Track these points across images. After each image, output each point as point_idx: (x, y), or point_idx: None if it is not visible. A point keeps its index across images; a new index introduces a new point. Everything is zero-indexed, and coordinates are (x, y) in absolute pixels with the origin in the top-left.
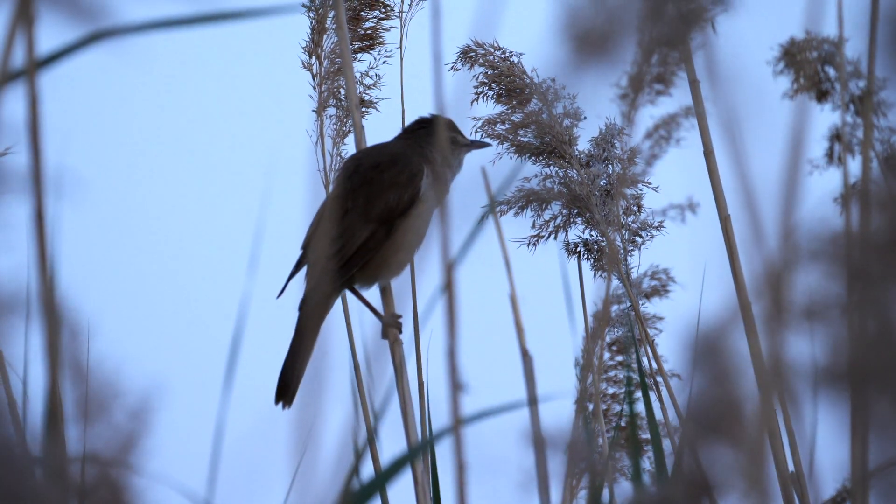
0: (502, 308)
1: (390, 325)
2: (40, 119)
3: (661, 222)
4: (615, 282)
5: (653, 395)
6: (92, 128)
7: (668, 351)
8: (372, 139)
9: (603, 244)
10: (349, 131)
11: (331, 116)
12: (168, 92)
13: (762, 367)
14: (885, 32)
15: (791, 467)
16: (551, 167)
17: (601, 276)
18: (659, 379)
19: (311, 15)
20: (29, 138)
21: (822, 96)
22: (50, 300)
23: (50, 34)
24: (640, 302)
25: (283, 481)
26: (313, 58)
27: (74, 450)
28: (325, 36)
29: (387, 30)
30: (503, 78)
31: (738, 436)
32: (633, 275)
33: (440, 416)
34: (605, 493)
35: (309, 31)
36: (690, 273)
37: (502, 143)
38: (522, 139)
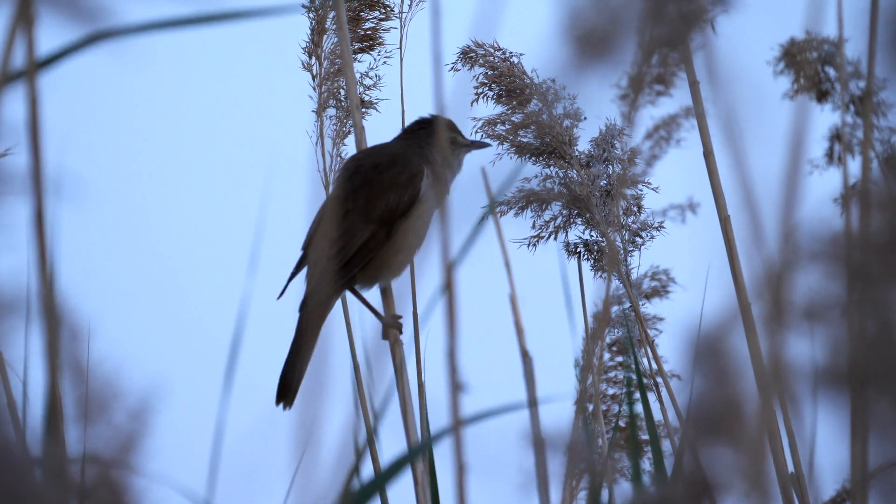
0: (502, 309)
1: (391, 326)
2: (40, 120)
3: (662, 223)
4: (615, 282)
5: (653, 396)
6: (92, 129)
7: (669, 351)
8: (372, 140)
9: (603, 245)
10: (349, 132)
11: (331, 117)
12: (168, 92)
13: (762, 367)
14: (885, 32)
15: (791, 468)
16: (551, 168)
17: (601, 276)
18: (659, 380)
19: (311, 15)
20: (29, 139)
21: (822, 96)
22: (50, 301)
23: (50, 35)
24: (641, 302)
25: (283, 481)
26: (313, 58)
27: (74, 450)
28: (324, 36)
29: (387, 30)
30: (503, 78)
31: (739, 436)
32: (634, 275)
33: (440, 417)
34: (605, 494)
35: (309, 32)
36: (691, 274)
37: (502, 144)
38: (522, 140)
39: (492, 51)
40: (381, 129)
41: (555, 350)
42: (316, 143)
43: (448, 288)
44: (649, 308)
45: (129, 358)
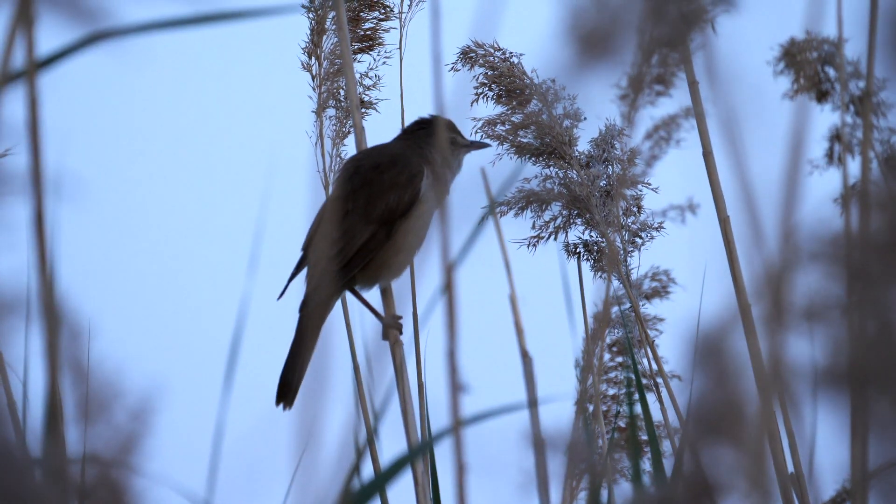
0: (502, 309)
1: (391, 327)
2: (40, 120)
3: (661, 223)
4: (615, 283)
5: (653, 397)
6: (92, 129)
7: (670, 352)
8: (372, 140)
9: (603, 245)
10: (349, 132)
11: (330, 117)
12: (168, 93)
13: (762, 368)
14: (884, 33)
15: (791, 468)
16: (551, 168)
17: (601, 277)
18: (659, 380)
19: (311, 16)
20: (29, 139)
21: (822, 97)
22: (50, 301)
23: (50, 35)
24: (641, 303)
25: (283, 481)
26: (312, 58)
27: (75, 450)
28: (324, 37)
29: (386, 31)
30: (503, 79)
31: (740, 436)
32: (634, 276)
33: (440, 417)
34: (605, 494)
35: (308, 32)
36: (691, 274)
37: (502, 144)
38: (522, 140)
39: (492, 51)
40: (381, 129)
41: (555, 350)
42: (316, 144)
43: (448, 288)
44: (649, 308)
45: (129, 358)
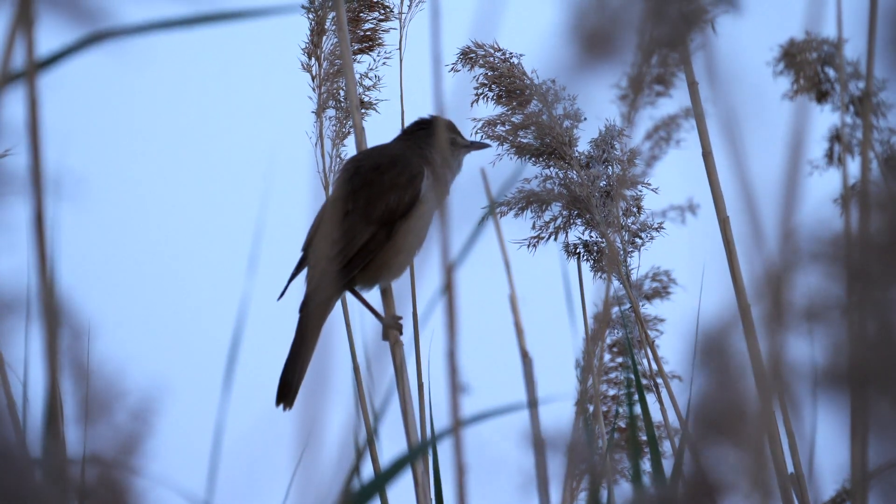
0: (502, 309)
1: (391, 327)
2: (40, 120)
3: (661, 224)
4: (616, 283)
5: (653, 397)
6: (92, 129)
7: (671, 352)
8: (372, 141)
9: (603, 245)
10: (349, 133)
11: (330, 118)
12: (168, 93)
13: (762, 368)
14: (884, 33)
15: (791, 468)
16: (551, 168)
17: (601, 277)
18: (659, 380)
19: (311, 16)
20: (29, 140)
21: (821, 97)
22: (50, 301)
23: (49, 36)
24: (641, 304)
25: (283, 482)
26: (312, 59)
27: (75, 451)
28: (324, 37)
29: (386, 31)
30: (503, 79)
31: (742, 436)
32: (634, 276)
33: (440, 418)
34: (605, 495)
35: (308, 33)
36: (691, 275)
37: (502, 145)
38: (522, 140)
39: (492, 51)
40: (381, 129)
41: (555, 351)
42: (315, 144)
43: (448, 289)
44: (650, 309)
45: (130, 358)
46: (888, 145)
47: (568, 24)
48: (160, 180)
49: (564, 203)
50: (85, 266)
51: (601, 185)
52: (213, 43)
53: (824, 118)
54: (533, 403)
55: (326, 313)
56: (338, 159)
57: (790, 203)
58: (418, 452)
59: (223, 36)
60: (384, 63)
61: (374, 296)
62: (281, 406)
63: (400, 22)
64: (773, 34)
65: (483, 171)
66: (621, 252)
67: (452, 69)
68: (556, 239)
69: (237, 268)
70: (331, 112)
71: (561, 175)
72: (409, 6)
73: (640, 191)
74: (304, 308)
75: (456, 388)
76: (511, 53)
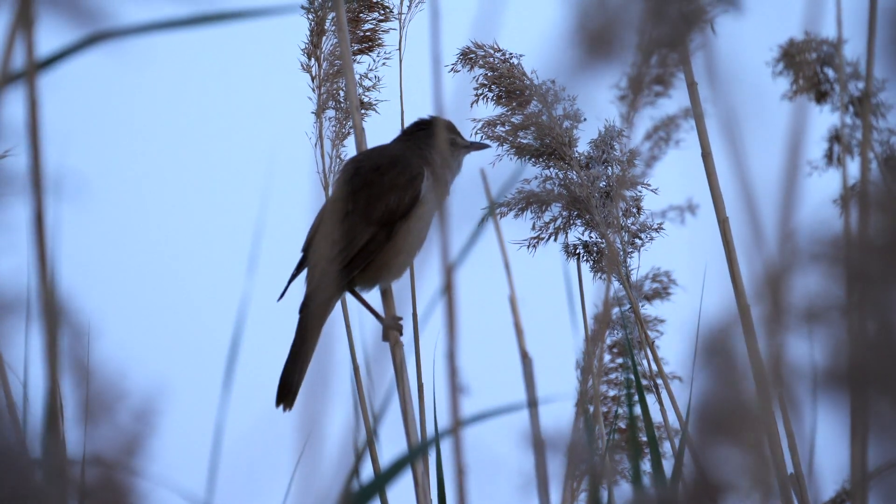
0: (502, 310)
1: (391, 328)
2: (40, 121)
3: (661, 224)
4: (616, 284)
5: (653, 398)
6: (92, 129)
7: (672, 353)
8: (371, 141)
9: (603, 246)
10: (348, 133)
11: (330, 118)
12: (168, 93)
13: (761, 369)
14: (883, 33)
15: (790, 469)
16: (551, 169)
17: (601, 278)
18: (659, 381)
19: (311, 17)
20: (29, 140)
21: (821, 97)
22: (50, 301)
23: (49, 36)
24: (641, 304)
25: (283, 482)
26: (312, 60)
27: (76, 451)
28: (324, 38)
29: (386, 31)
30: (503, 79)
31: (744, 437)
32: (634, 277)
33: (440, 418)
34: (605, 496)
35: (308, 33)
36: (691, 275)
37: (502, 145)
38: (522, 141)
39: (492, 52)
40: (381, 130)
41: (555, 351)
42: (315, 145)
43: (448, 289)
44: (650, 310)
45: (131, 359)
46: (888, 146)
47: (568, 24)
48: (160, 181)
49: (564, 204)
50: (85, 266)
51: (601, 185)
52: (213, 43)
53: (824, 119)
54: (533, 404)
55: (326, 314)
56: (338, 160)
57: (789, 204)
58: (418, 453)
59: (223, 36)
60: (384, 63)
61: (374, 296)
62: (281, 407)
63: (400, 22)
64: (773, 34)
65: (483, 171)
66: (621, 253)
67: (452, 70)
68: (555, 239)
69: (237, 268)
70: (330, 113)
71: (561, 176)
72: (409, 7)
73: (640, 191)
74: (304, 309)
75: (456, 388)
76: (511, 54)
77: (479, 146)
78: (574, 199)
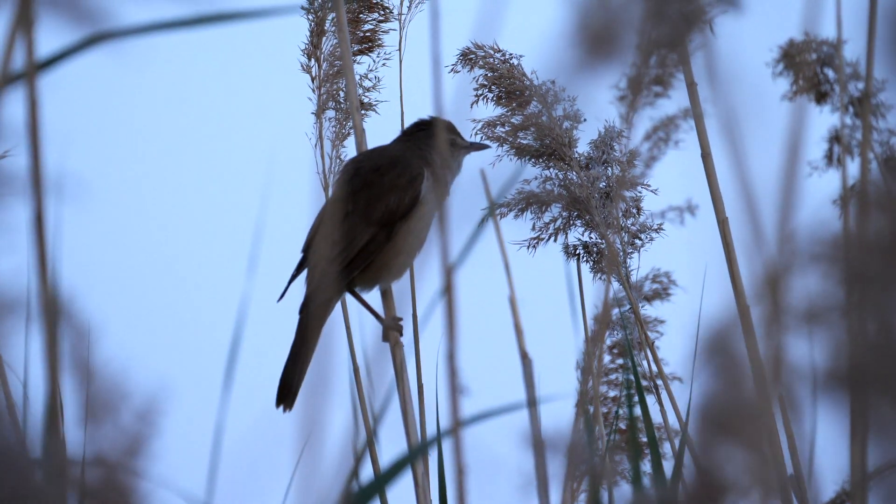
0: (502, 310)
1: (391, 328)
2: (40, 121)
3: (661, 225)
4: (615, 284)
5: (652, 399)
6: (92, 130)
7: (672, 354)
8: (371, 142)
9: (602, 247)
10: (348, 134)
11: (330, 119)
12: (168, 94)
13: (761, 370)
14: (883, 34)
15: (790, 469)
16: (551, 169)
17: (601, 278)
18: (659, 382)
19: (310, 17)
20: (29, 140)
21: (821, 98)
22: (50, 302)
23: (50, 37)
24: (641, 305)
25: (283, 483)
26: (312, 60)
27: (77, 452)
28: (324, 38)
29: (386, 32)
30: (503, 80)
31: (746, 437)
32: (634, 277)
33: (440, 419)
34: (605, 496)
35: (308, 34)
36: (691, 276)
37: (502, 146)
38: (522, 141)
39: (491, 52)
40: (381, 131)
41: (555, 352)
42: (315, 145)
43: (448, 290)
44: (650, 310)
45: (133, 359)
46: (887, 146)
47: (567, 24)
48: (161, 181)
49: (564, 204)
50: (86, 267)
51: (601, 186)
52: (213, 44)
53: (824, 119)
54: (533, 404)
55: (326, 314)
56: (337, 160)
57: (788, 204)
58: (418, 453)
59: (223, 37)
60: (384, 64)
61: (374, 297)
62: (281, 407)
63: (399, 23)
64: (773, 35)
65: (483, 172)
66: (621, 253)
67: (452, 70)
68: (555, 240)
69: (237, 268)
70: (331, 113)
71: (560, 176)
72: (409, 7)
73: (640, 192)
74: (305, 309)
75: (456, 389)
76: (511, 54)
77: (479, 147)
78: (574, 200)
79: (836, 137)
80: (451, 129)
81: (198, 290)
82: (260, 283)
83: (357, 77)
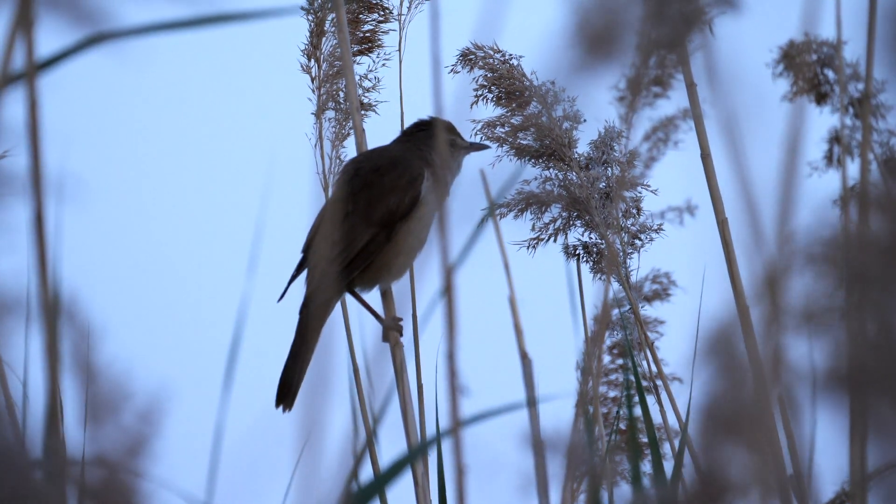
0: (502, 311)
1: (391, 328)
2: (40, 122)
3: (661, 225)
4: (615, 285)
5: (652, 399)
6: (92, 130)
7: (672, 354)
8: (371, 142)
9: (602, 247)
10: (348, 134)
11: (330, 119)
12: (168, 94)
13: (760, 370)
14: (883, 34)
15: (790, 470)
16: (551, 170)
17: (601, 279)
18: (659, 382)
19: (310, 18)
20: (29, 141)
21: (821, 99)
22: (49, 302)
23: (49, 37)
24: (641, 305)
25: (283, 483)
26: (312, 61)
27: (78, 452)
28: (323, 39)
29: (385, 32)
30: (503, 80)
31: (748, 437)
32: (634, 278)
33: (440, 419)
34: (605, 497)
35: (308, 34)
36: (691, 276)
37: (502, 146)
38: (522, 142)
39: (491, 53)
40: (380, 131)
41: (555, 352)
42: (315, 146)
43: (448, 290)
44: (650, 311)
45: (135, 359)
46: (887, 147)
47: (567, 25)
48: (161, 181)
49: (564, 204)
50: (86, 267)
51: (600, 186)
52: (213, 45)
53: (824, 120)
54: (532, 404)
55: (326, 315)
56: (337, 161)
57: (789, 205)
58: (418, 453)
59: (223, 38)
60: (384, 65)
61: (374, 297)
62: (281, 407)
63: (399, 23)
64: (773, 35)
65: (483, 172)
66: (621, 254)
67: (452, 71)
68: (555, 240)
69: (237, 269)
70: (330, 114)
71: (560, 176)
72: (409, 8)
73: (640, 192)
74: (304, 309)
75: (455, 389)
76: (510, 55)
77: (479, 147)
78: (574, 200)
79: (836, 138)
80: (450, 129)
81: (198, 291)
82: (260, 284)
83: (357, 77)
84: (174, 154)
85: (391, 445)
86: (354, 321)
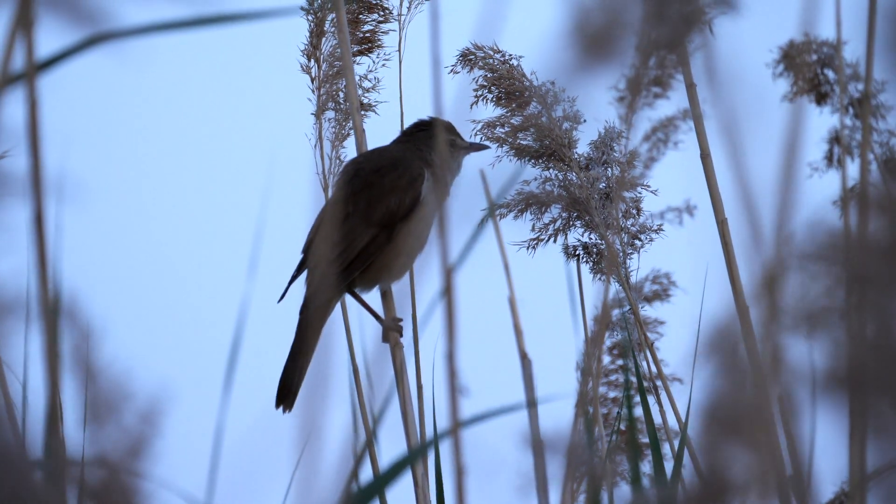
0: (502, 311)
1: (391, 329)
2: (40, 122)
3: (660, 226)
4: (615, 285)
5: (652, 399)
6: (92, 130)
7: (672, 354)
8: (371, 142)
9: (602, 247)
10: (348, 134)
11: (330, 120)
12: (168, 95)
13: (760, 370)
14: (883, 35)
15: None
16: (551, 170)
17: (600, 279)
18: (659, 383)
19: (310, 18)
20: (29, 141)
21: (821, 99)
22: (49, 303)
23: (49, 37)
24: (641, 306)
25: (283, 484)
26: (312, 61)
27: (78, 453)
28: (323, 39)
29: (385, 33)
30: (503, 81)
31: (749, 437)
32: (634, 278)
33: (440, 419)
34: (605, 497)
35: (308, 35)
36: (690, 277)
37: (502, 146)
38: (522, 142)
39: (491, 53)
40: (380, 131)
41: (555, 352)
42: (315, 146)
43: (448, 291)
44: (650, 311)
45: (134, 360)
46: (887, 147)
47: (567, 25)
48: (161, 182)
49: (564, 205)
50: (87, 268)
51: (600, 186)
52: (213, 45)
53: (824, 120)
54: (532, 405)
55: (326, 315)
56: (337, 161)
57: (788, 205)
58: (417, 454)
59: (223, 38)
60: (384, 65)
61: (374, 298)
62: (281, 408)
63: (399, 24)
64: (773, 35)
65: (482, 172)
66: (621, 254)
67: (452, 71)
68: (555, 241)
69: (238, 269)
70: (330, 114)
71: (560, 177)
72: (409, 8)
73: (640, 193)
74: (304, 310)
75: (455, 389)
76: (510, 55)
77: (479, 147)
78: (574, 201)
79: (836, 138)
80: (450, 129)
81: (198, 291)
82: (260, 284)
83: (357, 78)
84: (174, 154)
85: (391, 446)
86: (354, 322)
